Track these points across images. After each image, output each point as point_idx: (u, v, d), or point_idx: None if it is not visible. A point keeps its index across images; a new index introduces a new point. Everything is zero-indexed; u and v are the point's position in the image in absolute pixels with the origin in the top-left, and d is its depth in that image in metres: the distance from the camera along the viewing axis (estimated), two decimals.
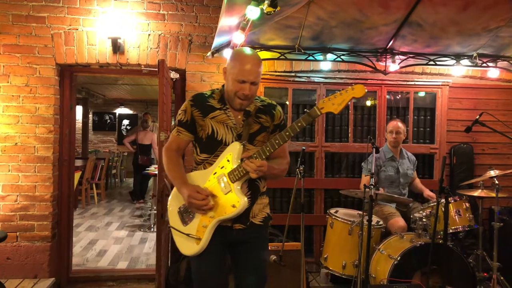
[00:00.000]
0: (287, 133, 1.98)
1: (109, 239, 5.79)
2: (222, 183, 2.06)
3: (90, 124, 13.19)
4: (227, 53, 3.67)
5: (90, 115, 13.13)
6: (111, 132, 13.56)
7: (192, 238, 2.08)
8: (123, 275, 4.31)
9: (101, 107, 13.11)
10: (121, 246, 5.45)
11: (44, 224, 3.94)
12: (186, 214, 2.14)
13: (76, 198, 7.43)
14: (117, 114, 13.56)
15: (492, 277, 3.34)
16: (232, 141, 2.11)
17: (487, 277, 3.48)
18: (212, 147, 2.13)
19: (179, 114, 2.18)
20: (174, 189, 2.23)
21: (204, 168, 2.15)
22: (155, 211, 6.46)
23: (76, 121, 9.65)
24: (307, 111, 1.97)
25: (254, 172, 1.96)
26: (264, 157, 2.00)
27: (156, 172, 6.47)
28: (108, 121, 13.53)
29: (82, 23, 3.94)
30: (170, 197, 2.26)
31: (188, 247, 2.12)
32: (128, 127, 13.24)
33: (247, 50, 2.16)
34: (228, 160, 2.07)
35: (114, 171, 11.21)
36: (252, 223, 2.15)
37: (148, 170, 7.01)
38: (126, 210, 7.93)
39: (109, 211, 7.82)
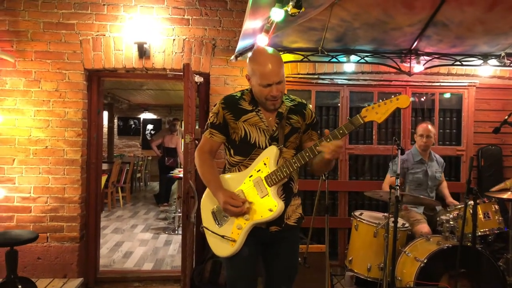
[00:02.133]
0: (328, 140, 1.95)
1: (134, 241, 5.89)
2: (259, 186, 2.07)
3: (115, 129, 13.46)
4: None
5: (115, 120, 13.39)
6: (136, 137, 13.80)
7: (227, 240, 2.09)
8: (149, 276, 4.37)
9: (126, 112, 13.36)
10: (147, 248, 5.54)
11: (72, 225, 4.05)
12: (220, 216, 2.15)
13: (102, 201, 7.58)
14: (141, 119, 13.79)
15: None
16: (266, 144, 2.11)
17: None
18: (246, 150, 2.14)
19: (211, 117, 2.18)
20: (206, 191, 2.24)
21: (239, 170, 2.16)
22: (180, 214, 6.56)
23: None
24: (349, 118, 1.97)
25: (330, 154, 1.90)
26: (303, 162, 2.01)
27: (180, 175, 6.59)
28: (133, 126, 13.77)
29: (109, 29, 4.04)
30: (203, 198, 2.26)
31: (222, 249, 2.12)
32: (152, 132, 13.44)
33: (264, 51, 2.13)
34: (265, 164, 2.07)
35: (139, 175, 11.39)
36: (286, 224, 2.16)
37: (172, 173, 7.12)
38: (151, 213, 8.05)
39: (134, 213, 7.95)
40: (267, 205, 2.04)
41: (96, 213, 4.29)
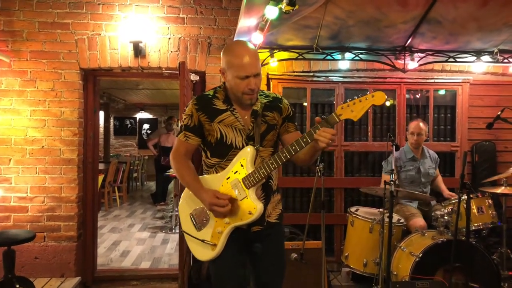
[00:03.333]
0: (304, 140, 1.90)
1: (132, 240, 5.90)
2: (237, 189, 2.03)
3: (112, 129, 13.44)
4: None
5: (111, 120, 13.38)
6: (132, 137, 13.78)
7: (207, 244, 2.06)
8: (146, 275, 4.38)
9: (122, 112, 13.34)
10: (144, 247, 5.55)
11: (70, 224, 4.06)
12: (199, 219, 2.11)
13: (99, 201, 7.58)
14: (137, 119, 13.77)
15: None
16: (242, 144, 2.06)
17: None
18: (222, 152, 2.08)
19: (185, 119, 2.10)
20: (184, 194, 2.20)
21: (216, 172, 2.11)
22: (177, 212, 6.57)
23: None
24: (324, 117, 1.89)
25: (325, 143, 1.83)
26: (280, 163, 1.96)
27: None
28: (129, 125, 13.76)
29: (104, 28, 4.05)
30: (181, 201, 2.21)
31: (203, 253, 2.10)
32: (148, 131, 13.43)
33: (241, 43, 2.09)
34: (242, 165, 2.03)
35: (135, 175, 11.40)
36: (268, 222, 2.14)
37: (169, 172, 7.13)
38: (147, 212, 8.06)
39: (131, 213, 7.96)
40: (246, 207, 2.00)
41: (93, 212, 4.30)
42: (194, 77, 4.20)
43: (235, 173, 2.04)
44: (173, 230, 6.38)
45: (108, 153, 11.33)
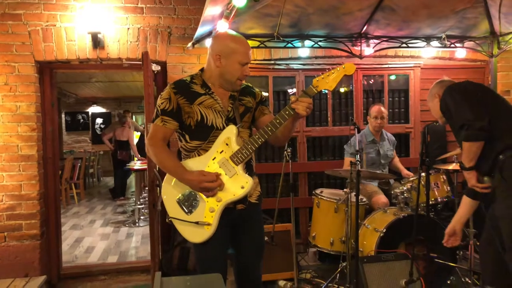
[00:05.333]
0: (287, 112, 2.03)
1: (95, 236, 5.79)
2: (226, 167, 2.09)
3: (63, 125, 12.95)
4: (208, 43, 3.73)
5: (63, 115, 12.89)
6: (85, 132, 13.35)
7: (201, 225, 2.08)
8: (114, 269, 4.34)
9: (74, 107, 12.87)
10: (109, 242, 5.46)
11: (32, 222, 3.93)
12: (188, 203, 2.12)
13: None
14: (90, 113, 13.34)
15: (469, 244, 3.56)
16: (223, 125, 2.13)
17: (465, 245, 3.70)
18: (203, 133, 2.12)
19: (162, 103, 2.11)
20: (165, 181, 2.20)
21: (199, 155, 2.14)
22: (140, 206, 6.52)
23: None
24: (303, 90, 2.04)
25: (305, 111, 1.99)
26: (266, 137, 2.06)
27: (137, 168, 6.53)
28: (81, 120, 13.30)
29: (59, 19, 3.91)
30: (163, 189, 2.21)
31: (197, 234, 2.10)
32: (102, 126, 13.06)
33: (235, 33, 2.21)
34: (227, 144, 2.10)
35: (91, 171, 11.09)
36: (250, 202, 2.21)
37: (129, 165, 7.02)
38: (108, 208, 7.90)
39: (91, 209, 7.77)
40: (238, 183, 2.08)
41: (56, 209, 4.18)
42: (155, 67, 4.15)
43: (221, 152, 2.10)
44: (137, 224, 6.31)
45: (61, 149, 10.92)
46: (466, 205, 2.69)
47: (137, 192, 6.82)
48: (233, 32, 2.20)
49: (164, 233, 4.20)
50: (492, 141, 2.40)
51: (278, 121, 2.04)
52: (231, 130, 2.12)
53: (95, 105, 13.23)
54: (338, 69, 2.03)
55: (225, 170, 2.09)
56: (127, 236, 5.75)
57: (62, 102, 11.59)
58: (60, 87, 9.66)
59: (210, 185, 2.04)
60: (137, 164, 6.87)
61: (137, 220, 6.41)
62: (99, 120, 13.38)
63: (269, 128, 2.05)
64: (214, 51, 2.14)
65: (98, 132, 12.86)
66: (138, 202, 6.60)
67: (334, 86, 2.03)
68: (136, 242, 5.41)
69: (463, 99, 2.49)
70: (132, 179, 9.74)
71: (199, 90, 2.15)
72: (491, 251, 2.55)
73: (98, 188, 10.78)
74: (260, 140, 2.07)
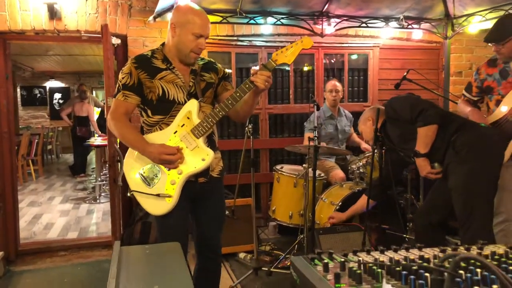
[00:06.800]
0: (247, 86, 2.07)
1: (54, 212, 5.70)
2: (187, 140, 2.12)
3: (19, 99, 12.44)
4: (169, 17, 3.69)
5: (18, 90, 12.36)
6: (43, 107, 12.87)
7: (163, 197, 2.10)
8: (75, 244, 4.32)
9: (29, 81, 12.36)
10: (68, 218, 5.40)
11: None
12: (150, 176, 2.14)
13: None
14: (47, 88, 12.86)
15: None
16: (184, 100, 2.15)
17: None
18: (165, 108, 2.14)
19: (123, 78, 2.11)
20: (128, 155, 2.23)
21: (161, 129, 2.16)
22: (101, 182, 6.44)
23: None
24: (263, 64, 2.08)
25: (264, 84, 2.03)
26: (227, 110, 2.10)
27: (98, 144, 6.42)
28: (38, 95, 12.81)
29: None
30: (125, 163, 2.23)
31: (159, 207, 2.12)
32: (61, 101, 12.63)
33: (197, 6, 2.18)
34: (188, 118, 2.12)
35: (50, 147, 10.78)
36: (211, 176, 2.26)
37: (89, 141, 6.88)
38: (67, 185, 7.76)
39: (50, 186, 7.61)
40: (199, 155, 2.12)
41: (12, 185, 4.08)
42: (115, 41, 4.07)
43: (182, 126, 2.13)
44: (98, 201, 6.25)
45: (17, 125, 10.51)
46: (362, 204, 3.17)
47: (98, 169, 6.72)
48: (194, 5, 2.18)
49: (125, 208, 4.20)
50: (443, 127, 2.64)
51: (238, 94, 2.08)
52: (192, 104, 2.14)
53: (52, 79, 12.75)
54: (296, 42, 2.08)
55: (186, 143, 2.12)
56: (87, 212, 5.70)
57: (17, 76, 11.11)
58: (15, 59, 9.24)
59: (170, 157, 2.07)
60: (97, 140, 6.75)
61: (98, 197, 6.35)
62: (57, 95, 12.93)
63: (229, 102, 2.09)
64: (170, 21, 2.15)
65: (57, 107, 12.44)
66: (99, 179, 6.52)
67: (293, 60, 2.08)
68: (97, 218, 5.38)
69: (407, 99, 2.84)
70: (92, 156, 9.55)
71: (160, 65, 2.15)
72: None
73: (57, 165, 10.52)
74: (220, 113, 2.10)
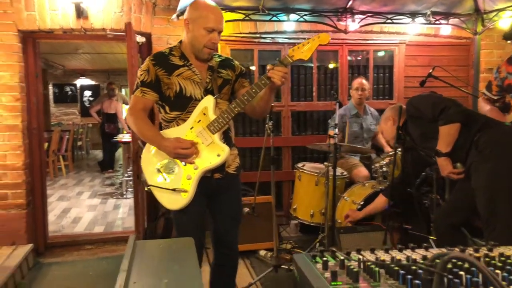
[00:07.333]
0: (263, 82, 2.06)
1: (82, 207, 5.86)
2: (203, 135, 2.13)
3: (51, 97, 12.84)
4: None
5: (50, 87, 12.75)
6: (73, 104, 13.24)
7: (178, 192, 2.12)
8: (101, 238, 4.43)
9: (61, 79, 12.73)
10: (96, 213, 5.54)
11: (18, 192, 3.97)
12: (166, 171, 2.16)
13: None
14: (78, 86, 13.21)
15: None
16: (201, 96, 2.17)
17: None
18: (182, 104, 2.18)
19: (141, 75, 2.16)
20: (145, 150, 2.26)
21: (178, 125, 2.19)
22: (127, 178, 6.57)
23: None
24: (279, 59, 2.07)
25: (280, 80, 2.01)
26: (243, 106, 2.10)
27: (125, 140, 6.55)
28: (70, 92, 13.18)
29: None
30: (143, 158, 2.26)
31: (175, 201, 2.14)
32: (91, 98, 12.96)
33: (210, 1, 2.18)
34: (204, 114, 2.14)
35: (80, 143, 11.09)
36: (227, 173, 2.26)
37: (116, 138, 7.04)
38: (96, 180, 7.95)
39: (79, 181, 7.82)
40: (214, 151, 2.13)
41: (42, 179, 4.22)
42: (140, 39, 4.14)
43: (198, 122, 2.16)
44: (124, 196, 6.39)
45: (48, 121, 10.86)
46: (380, 203, 3.18)
47: (125, 164, 6.86)
48: (209, 1, 2.18)
49: (150, 203, 4.27)
50: (466, 126, 2.56)
51: (254, 90, 2.08)
52: (208, 100, 2.17)
53: (83, 77, 13.09)
54: (313, 38, 2.06)
55: (202, 139, 2.14)
56: (114, 207, 5.83)
57: (49, 74, 11.46)
58: (46, 58, 9.54)
59: (185, 151, 2.08)
60: (125, 136, 6.89)
61: (124, 192, 6.48)
62: (87, 93, 13.26)
63: (245, 98, 2.09)
64: (184, 17, 2.17)
65: (87, 104, 12.76)
66: (126, 174, 6.65)
67: (309, 56, 2.06)
68: (123, 213, 5.50)
69: (430, 97, 2.79)
70: (120, 152, 9.76)
71: (177, 62, 2.19)
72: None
73: (86, 161, 10.81)
74: (236, 109, 2.11)
